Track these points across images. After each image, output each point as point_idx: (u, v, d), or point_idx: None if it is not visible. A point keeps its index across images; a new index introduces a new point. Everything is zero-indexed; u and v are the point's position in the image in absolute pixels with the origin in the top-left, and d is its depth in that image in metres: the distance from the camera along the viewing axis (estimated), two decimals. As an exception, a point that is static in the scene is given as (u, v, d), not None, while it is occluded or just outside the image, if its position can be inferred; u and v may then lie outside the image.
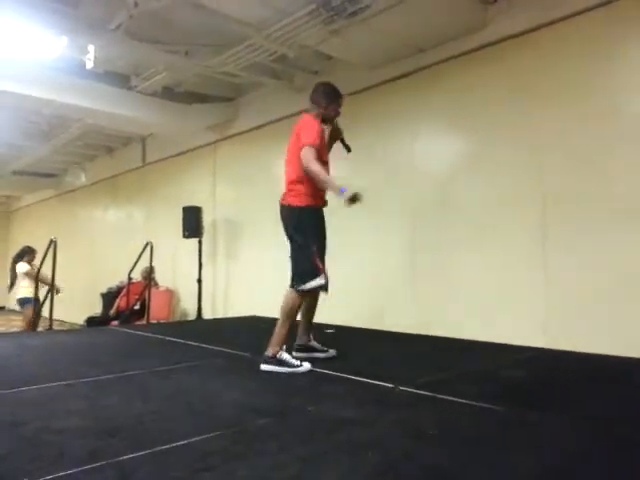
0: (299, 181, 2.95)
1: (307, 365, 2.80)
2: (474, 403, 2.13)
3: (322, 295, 3.04)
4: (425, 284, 4.59)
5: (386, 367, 2.95)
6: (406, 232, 4.79)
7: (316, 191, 2.97)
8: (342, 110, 3.19)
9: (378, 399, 2.25)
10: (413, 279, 4.70)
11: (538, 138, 3.92)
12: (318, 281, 2.84)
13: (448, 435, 1.77)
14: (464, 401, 2.15)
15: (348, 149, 3.24)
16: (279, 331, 2.84)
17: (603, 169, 3.57)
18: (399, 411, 2.07)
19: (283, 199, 3.03)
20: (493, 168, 4.20)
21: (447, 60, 4.49)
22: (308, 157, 2.82)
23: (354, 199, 2.73)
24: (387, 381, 2.47)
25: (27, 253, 6.94)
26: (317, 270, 2.85)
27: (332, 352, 3.17)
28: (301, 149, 2.86)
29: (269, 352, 2.82)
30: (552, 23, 3.83)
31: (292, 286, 2.89)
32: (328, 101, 3.09)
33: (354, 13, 3.91)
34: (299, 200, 2.96)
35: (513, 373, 2.75)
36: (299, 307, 2.92)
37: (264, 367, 2.80)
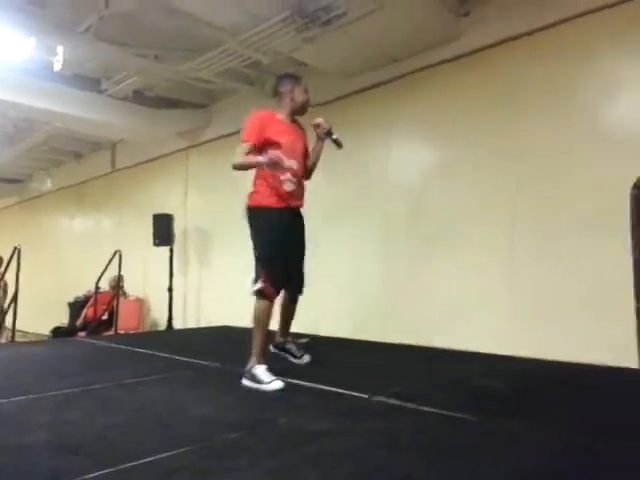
0: (253, 181, 2.87)
1: (277, 384, 2.56)
2: (448, 412, 2.11)
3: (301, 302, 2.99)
4: (399, 293, 4.60)
5: (361, 377, 2.91)
6: (380, 241, 4.80)
7: (269, 189, 2.81)
8: (309, 96, 2.99)
9: (352, 409, 2.22)
10: (388, 288, 4.71)
11: (511, 146, 4.00)
12: (256, 286, 2.70)
13: (422, 445, 1.75)
14: (438, 410, 2.14)
15: (338, 145, 2.94)
16: (253, 341, 2.72)
17: (573, 174, 3.65)
18: (373, 421, 2.04)
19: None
20: (466, 176, 4.26)
21: (422, 70, 4.55)
22: (237, 155, 2.75)
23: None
24: (361, 391, 2.44)
25: None
26: (257, 274, 2.72)
27: (306, 358, 3.10)
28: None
29: (247, 365, 2.69)
30: (527, 34, 3.92)
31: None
32: (289, 87, 2.93)
33: (328, 21, 3.92)
34: (249, 199, 2.86)
35: (485, 382, 2.75)
36: (267, 313, 2.73)
37: (244, 382, 2.65)
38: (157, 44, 4.94)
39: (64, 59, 4.75)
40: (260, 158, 2.71)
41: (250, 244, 2.84)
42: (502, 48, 4.07)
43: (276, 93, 2.99)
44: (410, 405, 2.23)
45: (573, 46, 3.72)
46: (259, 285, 2.70)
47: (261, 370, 2.64)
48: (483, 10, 4.11)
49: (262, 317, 2.73)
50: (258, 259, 2.77)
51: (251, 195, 2.87)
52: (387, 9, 3.75)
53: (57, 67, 4.77)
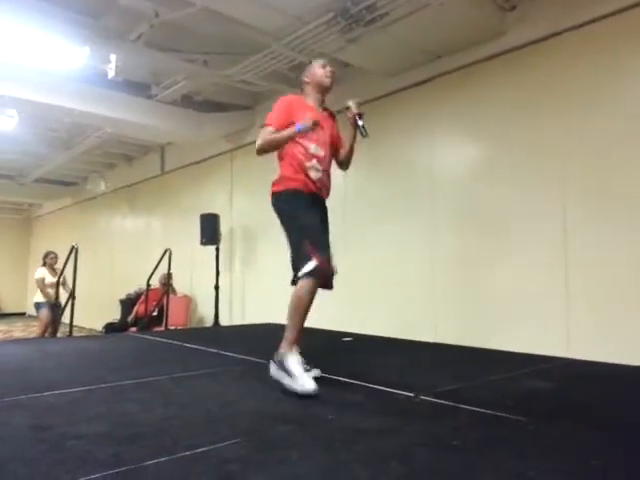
0: (280, 168, 2.71)
1: (310, 386, 2.29)
2: (496, 413, 2.09)
3: (342, 304, 2.97)
4: (446, 293, 4.55)
5: (407, 376, 2.91)
6: (427, 239, 4.76)
7: (295, 174, 2.62)
8: (333, 72, 2.81)
9: (399, 408, 2.23)
10: (435, 288, 4.66)
11: (559, 142, 3.88)
12: (310, 264, 2.39)
13: (472, 445, 1.74)
14: (486, 411, 2.12)
15: (362, 133, 2.70)
16: (289, 325, 2.45)
17: (623, 170, 3.52)
18: (421, 421, 2.04)
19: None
20: (513, 173, 4.17)
21: (466, 66, 4.48)
22: (260, 137, 2.58)
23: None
24: (408, 390, 2.44)
25: (45, 257, 7.07)
26: (308, 253, 2.42)
27: (316, 372, 2.60)
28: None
29: (278, 351, 2.45)
30: (573, 28, 3.81)
31: (293, 282, 2.53)
32: (307, 70, 2.81)
33: (372, 21, 3.93)
34: (275, 186, 2.69)
35: (535, 383, 2.69)
36: (313, 293, 2.42)
37: (272, 371, 2.48)
38: (204, 49, 5.09)
39: (116, 66, 4.96)
40: (290, 129, 2.52)
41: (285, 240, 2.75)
42: (549, 43, 3.96)
43: (300, 84, 2.85)
44: (458, 405, 2.21)
45: (622, 40, 3.58)
46: (314, 261, 2.39)
47: (294, 361, 2.39)
48: (530, 3, 4.01)
49: (307, 298, 2.41)
50: (299, 239, 2.50)
51: (277, 181, 2.69)
52: (432, 6, 3.71)
53: (111, 74, 4.99)
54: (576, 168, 3.78)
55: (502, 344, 3.75)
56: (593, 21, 3.69)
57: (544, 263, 3.91)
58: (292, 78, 5.62)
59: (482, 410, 2.13)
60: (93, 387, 2.56)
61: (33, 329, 10.34)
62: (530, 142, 4.06)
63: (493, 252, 4.23)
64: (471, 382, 2.77)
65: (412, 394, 2.39)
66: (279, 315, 5.49)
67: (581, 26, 3.76)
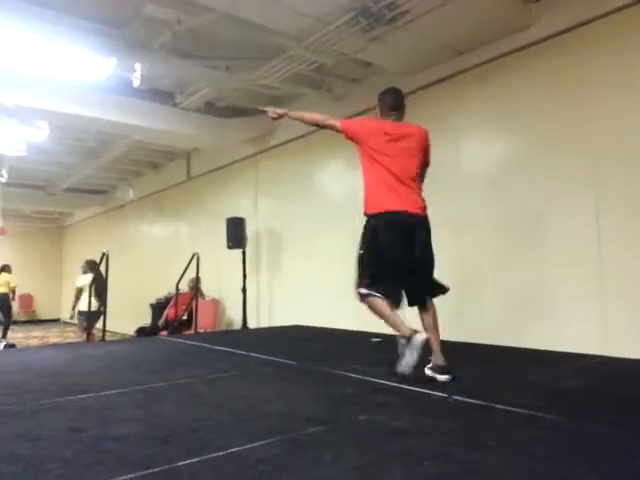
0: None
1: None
2: (532, 412, 2.04)
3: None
4: (475, 290, 4.48)
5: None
6: (453, 238, 4.69)
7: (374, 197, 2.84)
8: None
9: (432, 408, 2.20)
10: (463, 286, 4.59)
11: (591, 136, 3.78)
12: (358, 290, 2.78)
13: (507, 446, 1.70)
14: (520, 410, 2.07)
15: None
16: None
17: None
18: (455, 421, 2.01)
19: (419, 207, 2.84)
20: (542, 168, 4.08)
21: (490, 61, 4.40)
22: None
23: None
24: (440, 390, 2.41)
25: (83, 266, 7.24)
26: (359, 281, 2.80)
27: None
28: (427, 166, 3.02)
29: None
30: (601, 17, 3.70)
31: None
32: None
33: (393, 19, 3.90)
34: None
35: (573, 382, 2.63)
36: (378, 306, 2.71)
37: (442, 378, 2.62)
38: (226, 55, 5.13)
39: (141, 75, 5.05)
40: None
41: (322, 249, 2.85)
42: (576, 33, 3.86)
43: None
44: (492, 405, 2.17)
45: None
46: (360, 290, 2.80)
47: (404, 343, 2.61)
48: (555, -6, 3.93)
49: (378, 310, 2.77)
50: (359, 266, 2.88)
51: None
52: (453, 1, 3.67)
53: (136, 84, 5.08)
54: (608, 162, 3.67)
55: (535, 342, 3.66)
56: (623, 8, 3.58)
57: (578, 259, 3.80)
58: (315, 79, 5.65)
59: (517, 410, 2.09)
60: (127, 390, 2.61)
61: (68, 334, 10.62)
62: (560, 136, 3.96)
63: (525, 249, 4.14)
64: (505, 381, 2.72)
65: (445, 394, 2.36)
66: (305, 317, 5.53)
67: (610, 13, 3.64)
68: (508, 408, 2.11)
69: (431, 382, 2.59)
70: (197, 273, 7.00)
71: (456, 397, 2.31)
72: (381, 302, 2.71)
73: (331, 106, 5.68)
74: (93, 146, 8.22)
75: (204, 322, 7.22)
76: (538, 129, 4.11)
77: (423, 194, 2.88)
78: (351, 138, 2.94)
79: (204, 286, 7.68)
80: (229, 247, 6.89)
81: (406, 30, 4.04)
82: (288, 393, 2.54)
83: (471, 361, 3.43)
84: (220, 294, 7.82)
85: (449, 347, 2.77)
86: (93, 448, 1.71)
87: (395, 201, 2.76)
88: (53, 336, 11.05)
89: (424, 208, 2.85)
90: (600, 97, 3.73)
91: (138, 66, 4.96)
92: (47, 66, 4.63)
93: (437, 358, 2.71)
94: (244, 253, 6.85)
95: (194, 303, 7.13)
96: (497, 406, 2.15)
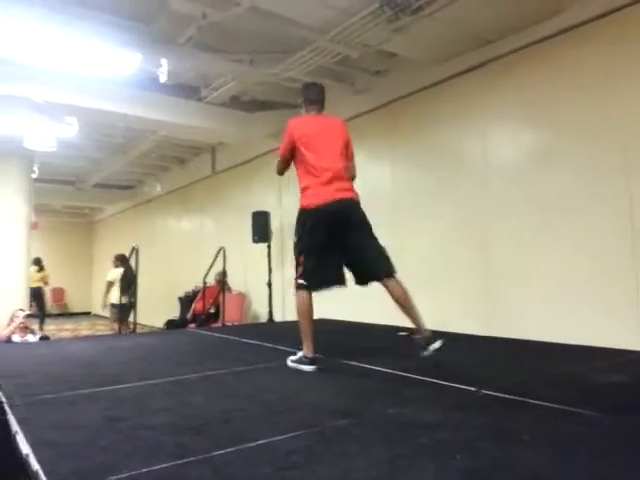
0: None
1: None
2: (566, 407, 2.00)
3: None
4: (501, 283, 4.42)
5: (466, 370, 2.84)
6: (478, 229, 4.63)
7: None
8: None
9: (461, 403, 2.18)
10: (489, 279, 4.53)
11: (622, 127, 3.67)
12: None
13: (541, 441, 1.68)
14: (555, 405, 2.04)
15: None
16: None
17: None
18: (485, 415, 1.98)
19: (350, 193, 2.98)
20: (571, 158, 3.98)
21: (519, 50, 4.31)
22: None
23: None
24: (469, 384, 2.39)
25: (114, 260, 7.40)
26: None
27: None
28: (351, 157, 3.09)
29: None
30: (635, 2, 3.58)
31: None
32: None
33: (419, 8, 3.85)
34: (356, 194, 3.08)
35: (608, 377, 2.56)
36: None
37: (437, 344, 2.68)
38: (250, 49, 5.15)
39: (167, 70, 5.10)
40: None
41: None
42: (609, 20, 3.74)
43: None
44: (524, 399, 2.14)
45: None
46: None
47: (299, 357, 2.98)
48: (588, -23, 3.81)
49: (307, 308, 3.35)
50: None
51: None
52: (481, -12, 3.60)
53: (163, 79, 5.13)
54: (639, 151, 3.56)
55: (564, 336, 3.59)
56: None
57: (610, 251, 3.71)
58: (338, 72, 5.61)
59: (551, 405, 2.05)
60: (159, 381, 2.66)
61: (99, 327, 10.89)
62: (591, 125, 3.85)
63: (554, 240, 4.05)
64: (536, 376, 2.67)
65: (474, 388, 2.33)
66: (329, 311, 5.54)
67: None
68: (541, 403, 2.08)
69: (458, 376, 2.56)
70: (224, 267, 7.08)
71: (485, 391, 2.28)
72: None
73: (352, 99, 5.65)
74: (121, 142, 8.35)
75: (231, 315, 7.31)
76: (567, 118, 4.01)
77: (353, 182, 3.04)
78: (291, 152, 3.18)
79: (230, 280, 7.77)
80: (254, 241, 6.94)
81: (432, 19, 3.98)
82: (316, 386, 2.55)
83: (498, 356, 3.39)
84: (246, 288, 7.89)
85: (480, 341, 2.74)
86: (129, 437, 1.75)
87: (326, 191, 2.93)
88: (84, 329, 11.35)
89: (353, 192, 2.99)
90: (628, 86, 3.61)
91: (164, 61, 5.01)
92: (75, 62, 4.70)
93: (421, 332, 2.75)
94: (269, 247, 6.89)
95: (221, 297, 7.22)
96: (530, 401, 2.12)
